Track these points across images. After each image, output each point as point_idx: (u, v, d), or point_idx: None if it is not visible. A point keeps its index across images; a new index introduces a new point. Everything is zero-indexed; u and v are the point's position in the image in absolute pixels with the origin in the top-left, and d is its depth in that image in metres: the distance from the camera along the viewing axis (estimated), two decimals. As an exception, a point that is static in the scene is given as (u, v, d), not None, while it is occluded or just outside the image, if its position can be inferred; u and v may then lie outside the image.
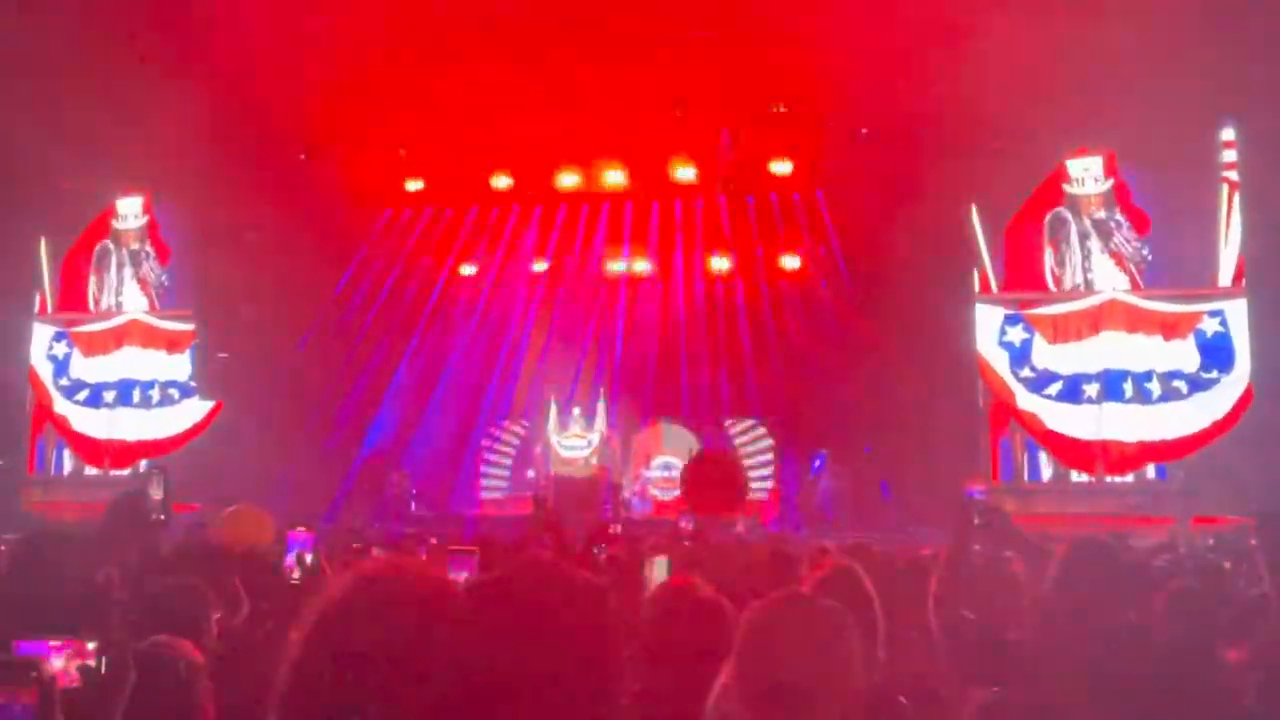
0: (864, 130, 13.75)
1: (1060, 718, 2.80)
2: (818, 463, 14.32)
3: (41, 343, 15.87)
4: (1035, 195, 13.28)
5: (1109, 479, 12.70)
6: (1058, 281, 13.24)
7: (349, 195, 15.15)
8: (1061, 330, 13.05)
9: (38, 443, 15.75)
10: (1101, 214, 13.13)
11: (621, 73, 13.32)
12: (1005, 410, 13.15)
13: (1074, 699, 2.74)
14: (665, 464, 15.99)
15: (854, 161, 13.56)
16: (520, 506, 14.61)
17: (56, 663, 2.70)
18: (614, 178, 15.15)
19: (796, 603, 2.21)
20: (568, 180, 15.27)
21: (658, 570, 4.01)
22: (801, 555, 4.38)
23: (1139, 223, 12.98)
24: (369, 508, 14.03)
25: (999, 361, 13.11)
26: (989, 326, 13.18)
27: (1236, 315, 12.37)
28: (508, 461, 16.71)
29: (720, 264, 16.10)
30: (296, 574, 4.98)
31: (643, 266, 16.30)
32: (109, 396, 15.62)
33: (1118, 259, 13.07)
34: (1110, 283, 13.04)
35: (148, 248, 15.83)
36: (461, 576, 4.34)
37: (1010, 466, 13.17)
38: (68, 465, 15.84)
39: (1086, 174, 13.21)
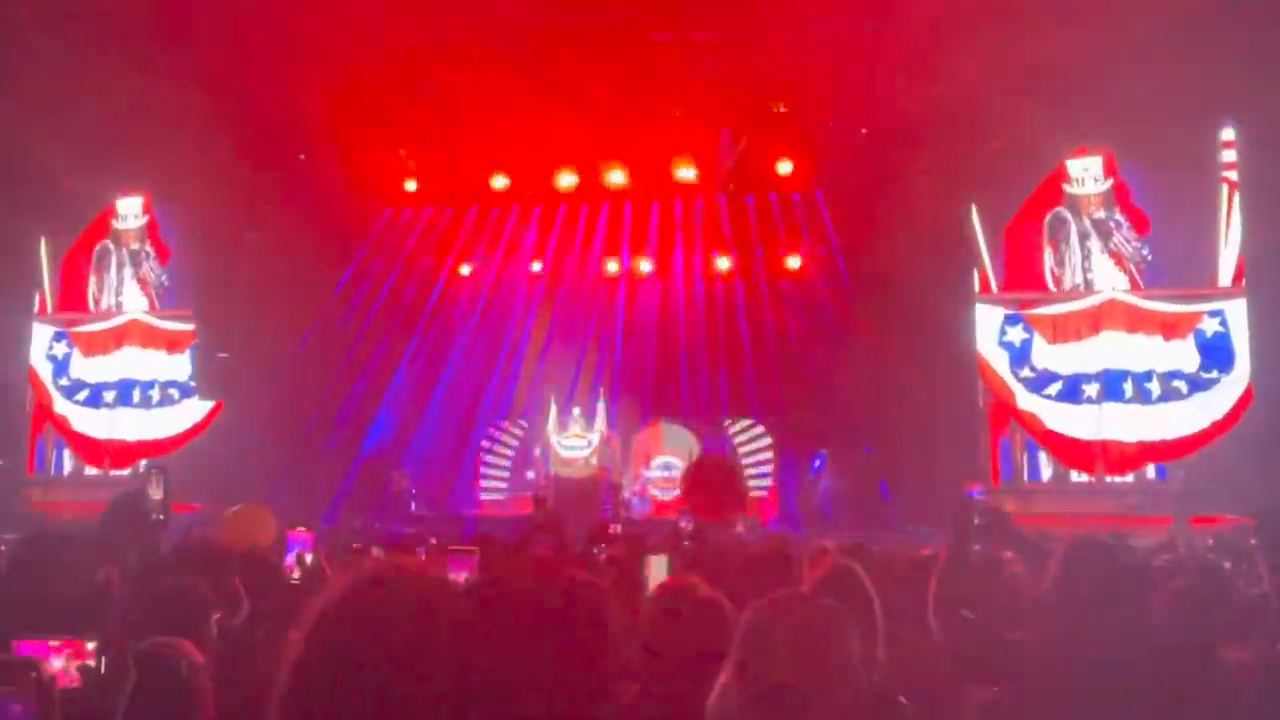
0: (864, 130, 13.75)
1: (1060, 718, 2.80)
2: (818, 463, 14.32)
3: (41, 343, 15.87)
4: (1035, 195, 13.28)
5: (1109, 479, 12.70)
6: (1057, 281, 13.24)
7: (349, 195, 15.15)
8: (1061, 330, 13.05)
9: (38, 443, 15.74)
10: (1101, 214, 13.13)
11: (622, 73, 13.33)
12: (1005, 410, 13.16)
13: (1074, 699, 2.74)
14: (665, 464, 16.00)
15: (854, 161, 13.57)
16: (520, 506, 14.61)
17: (56, 663, 2.70)
18: (614, 178, 15.15)
19: (796, 603, 2.21)
20: (567, 180, 15.27)
21: (657, 569, 4.01)
22: (801, 555, 4.38)
23: (1139, 223, 12.98)
24: (369, 508, 14.03)
25: (999, 361, 13.11)
26: (989, 326, 13.18)
27: (1236, 315, 12.37)
28: (507, 462, 16.71)
29: (720, 264, 16.11)
30: (296, 574, 4.99)
31: (643, 266, 16.30)
32: (109, 396, 15.62)
33: (1117, 259, 13.07)
34: (1110, 283, 13.04)
35: (148, 248, 15.83)
36: (461, 576, 4.35)
37: (1010, 466, 13.17)
38: (68, 465, 15.84)
39: (1086, 174, 13.21)
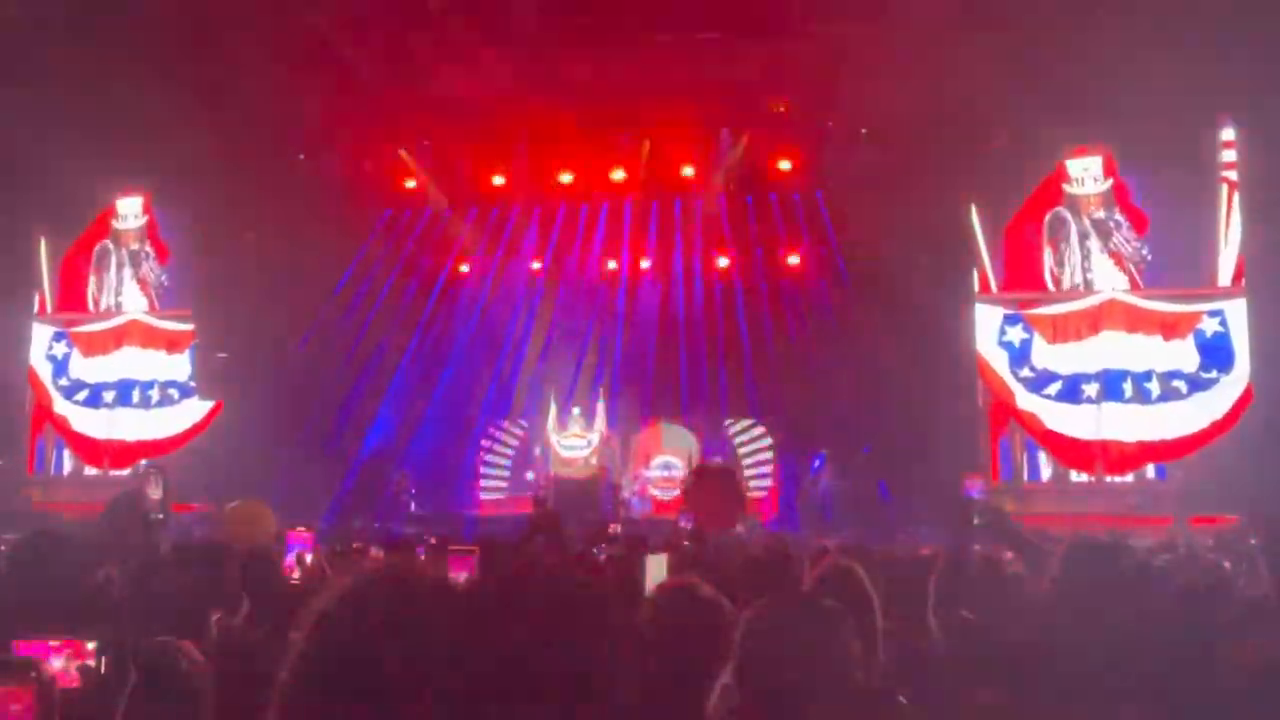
0: (864, 130, 13.76)
1: (1060, 718, 2.80)
2: (817, 463, 14.31)
3: (41, 343, 15.87)
4: (1035, 195, 13.28)
5: (1108, 479, 12.70)
6: (1057, 281, 13.24)
7: (349, 195, 15.16)
8: (1061, 330, 13.06)
9: (37, 443, 15.75)
10: (1101, 214, 13.14)
11: (622, 73, 13.33)
12: (1005, 410, 13.16)
13: (1074, 699, 2.74)
14: (665, 464, 16.00)
15: (854, 161, 13.57)
16: (520, 506, 14.61)
17: (56, 663, 2.70)
18: (614, 176, 15.16)
19: (796, 603, 2.21)
20: (567, 179, 15.28)
21: (656, 569, 4.01)
22: (801, 555, 4.38)
23: (1138, 223, 12.98)
24: (369, 508, 14.02)
25: (998, 361, 13.12)
26: (988, 326, 13.19)
27: (1236, 315, 12.37)
28: (507, 461, 16.70)
29: (720, 264, 16.11)
30: (296, 574, 4.99)
31: (643, 265, 16.30)
32: (108, 396, 15.62)
33: (1117, 259, 13.07)
34: (1110, 283, 13.04)
35: (147, 248, 15.83)
36: (461, 576, 4.35)
37: (1010, 466, 13.18)
38: (67, 465, 15.84)
39: (1086, 174, 13.21)
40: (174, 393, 15.40)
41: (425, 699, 1.33)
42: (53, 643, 2.75)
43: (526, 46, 12.59)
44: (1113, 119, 11.97)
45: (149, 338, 15.66)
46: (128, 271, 15.85)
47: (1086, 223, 13.17)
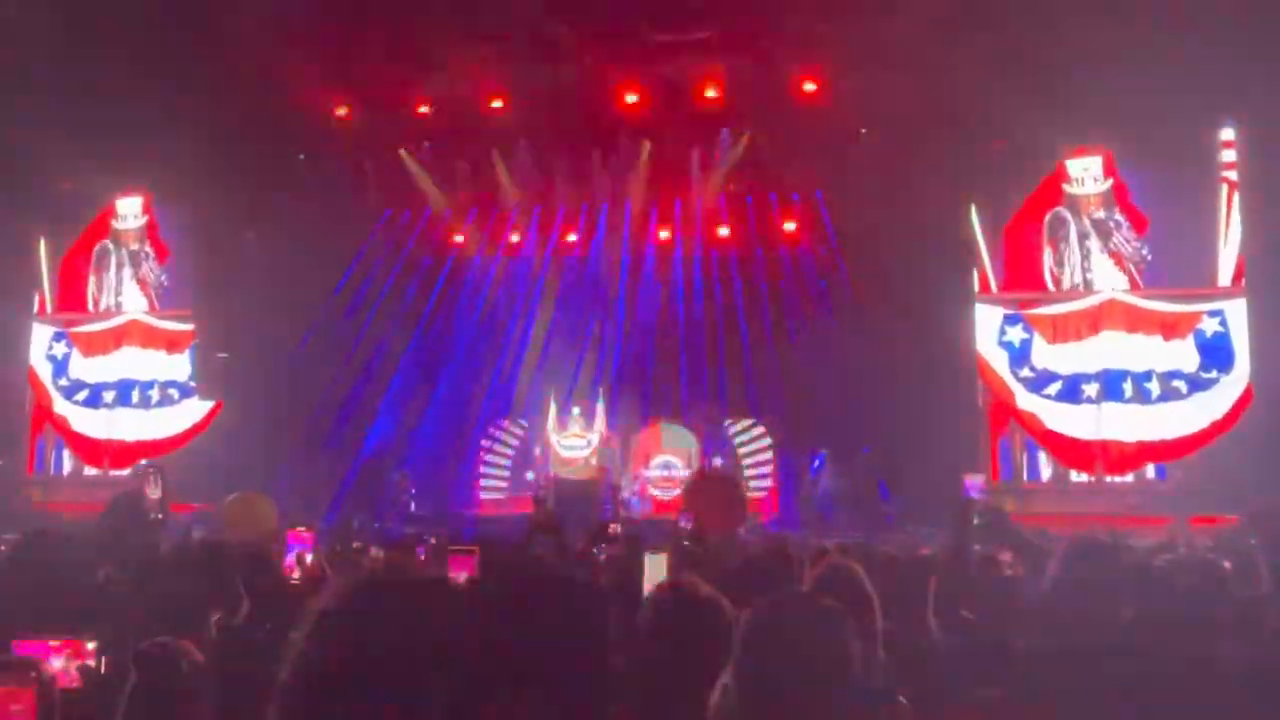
0: (864, 130, 13.76)
1: (1060, 718, 2.80)
2: (817, 462, 14.31)
3: (41, 343, 15.87)
4: (1035, 195, 13.29)
5: (1108, 479, 12.71)
6: (1057, 281, 13.25)
7: (349, 195, 15.16)
8: (1061, 330, 13.06)
9: (37, 443, 15.76)
10: (1101, 214, 13.14)
11: (622, 72, 13.35)
12: (1005, 410, 13.16)
13: (1074, 699, 2.75)
14: (665, 464, 15.99)
15: (854, 161, 13.57)
16: (520, 506, 14.60)
17: (56, 663, 2.70)
18: (614, 175, 15.16)
19: (796, 603, 2.21)
20: (566, 180, 15.29)
21: (656, 569, 4.01)
22: (801, 555, 4.38)
23: (1138, 222, 12.99)
24: (369, 508, 14.02)
25: (998, 361, 13.12)
26: (988, 326, 13.19)
27: (1236, 315, 12.38)
28: (507, 461, 16.69)
29: (720, 264, 16.10)
30: (296, 574, 4.99)
31: (643, 265, 16.30)
32: (108, 397, 15.62)
33: (1117, 259, 13.08)
34: (1109, 283, 13.04)
35: (147, 248, 15.83)
36: (461, 576, 4.34)
37: (1010, 466, 13.18)
38: (67, 465, 15.85)
39: (1086, 174, 13.22)
40: (174, 393, 15.41)
41: (426, 698, 1.33)
42: (53, 643, 2.75)
43: (526, 45, 12.61)
44: (1113, 119, 11.98)
45: (149, 338, 15.67)
46: (127, 271, 15.86)
47: (1086, 223, 13.18)
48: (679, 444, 15.96)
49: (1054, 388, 12.92)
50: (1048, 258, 13.25)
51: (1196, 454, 12.24)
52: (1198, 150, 12.33)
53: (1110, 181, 13.11)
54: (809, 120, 13.96)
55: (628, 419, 16.11)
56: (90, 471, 15.59)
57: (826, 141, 14.08)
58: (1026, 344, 13.06)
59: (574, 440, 16.07)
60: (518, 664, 1.40)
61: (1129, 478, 12.79)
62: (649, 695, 2.29)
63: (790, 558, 4.22)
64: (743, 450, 15.93)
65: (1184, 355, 12.55)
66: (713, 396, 15.62)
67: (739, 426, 16.04)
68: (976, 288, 13.22)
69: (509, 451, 16.70)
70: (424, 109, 14.26)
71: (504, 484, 16.57)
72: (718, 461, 15.29)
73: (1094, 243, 13.14)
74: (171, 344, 15.48)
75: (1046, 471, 13.16)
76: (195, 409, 15.10)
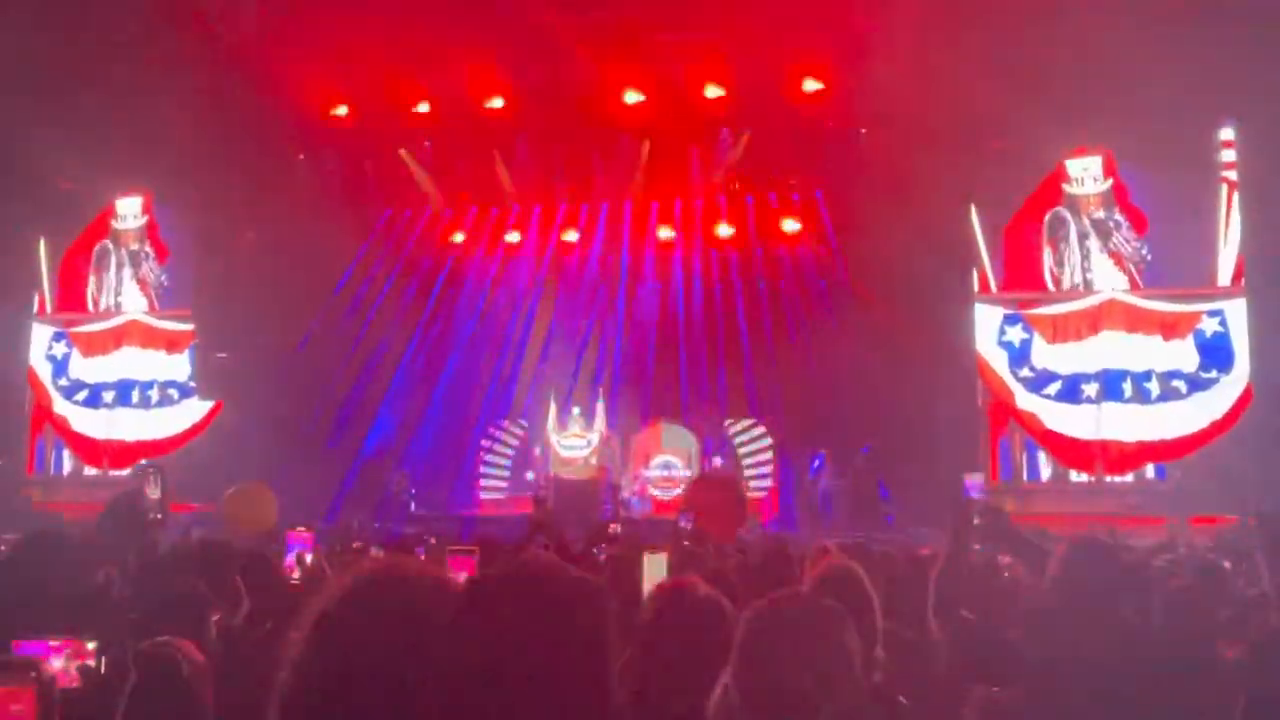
0: (864, 130, 13.76)
1: (1060, 718, 2.80)
2: (817, 462, 14.31)
3: (41, 343, 15.87)
4: (1034, 195, 13.28)
5: (1108, 479, 12.71)
6: (1057, 281, 13.25)
7: (349, 195, 15.16)
8: (1061, 330, 13.06)
9: (37, 443, 15.75)
10: (1101, 214, 13.14)
11: (622, 72, 13.35)
12: (1004, 410, 13.16)
13: (1074, 699, 2.74)
14: (665, 463, 15.98)
15: (854, 161, 13.57)
16: (520, 506, 14.60)
17: (56, 663, 2.70)
18: (615, 175, 15.16)
19: (796, 603, 2.21)
20: (566, 179, 15.30)
21: (655, 569, 4.00)
22: (801, 555, 4.38)
23: (1138, 222, 12.99)
24: (369, 508, 14.02)
25: (998, 361, 13.12)
26: (988, 326, 13.19)
27: (1236, 315, 12.38)
28: (507, 461, 16.70)
29: (720, 263, 16.10)
30: (296, 574, 4.99)
31: (643, 265, 16.31)
32: (108, 397, 15.62)
33: (1117, 259, 13.08)
34: (1109, 282, 13.04)
35: (147, 248, 15.83)
36: (461, 576, 4.34)
37: (1009, 466, 13.18)
38: (67, 465, 15.84)
39: (1086, 174, 13.22)
40: (174, 393, 15.40)
41: (425, 698, 1.33)
42: (53, 643, 2.75)
43: (526, 46, 12.61)
44: (1113, 119, 11.98)
45: (149, 338, 15.66)
46: (127, 271, 15.86)
47: (1086, 223, 13.18)
48: (679, 444, 15.96)
49: (1054, 388, 12.92)
50: (1048, 258, 13.25)
51: (1196, 454, 12.23)
52: (1198, 150, 12.33)
53: (1110, 181, 13.11)
54: (809, 120, 13.97)
55: (628, 419, 16.11)
56: (90, 471, 15.58)
57: (826, 141, 14.08)
58: (1026, 344, 13.06)
59: (574, 440, 16.07)
60: (515, 662, 1.40)
61: (1129, 478, 12.79)
62: (649, 695, 2.28)
63: (790, 558, 4.22)
64: (743, 450, 15.93)
65: (1184, 355, 12.55)
66: (713, 396, 15.62)
67: (739, 426, 16.04)
68: (976, 288, 13.21)
69: (509, 451, 16.71)
70: (424, 109, 14.26)
71: (504, 484, 16.58)
72: (718, 461, 15.29)
73: (1094, 243, 13.14)
74: (171, 344, 15.48)
75: (1046, 471, 13.16)
76: (195, 409, 15.10)
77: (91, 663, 2.81)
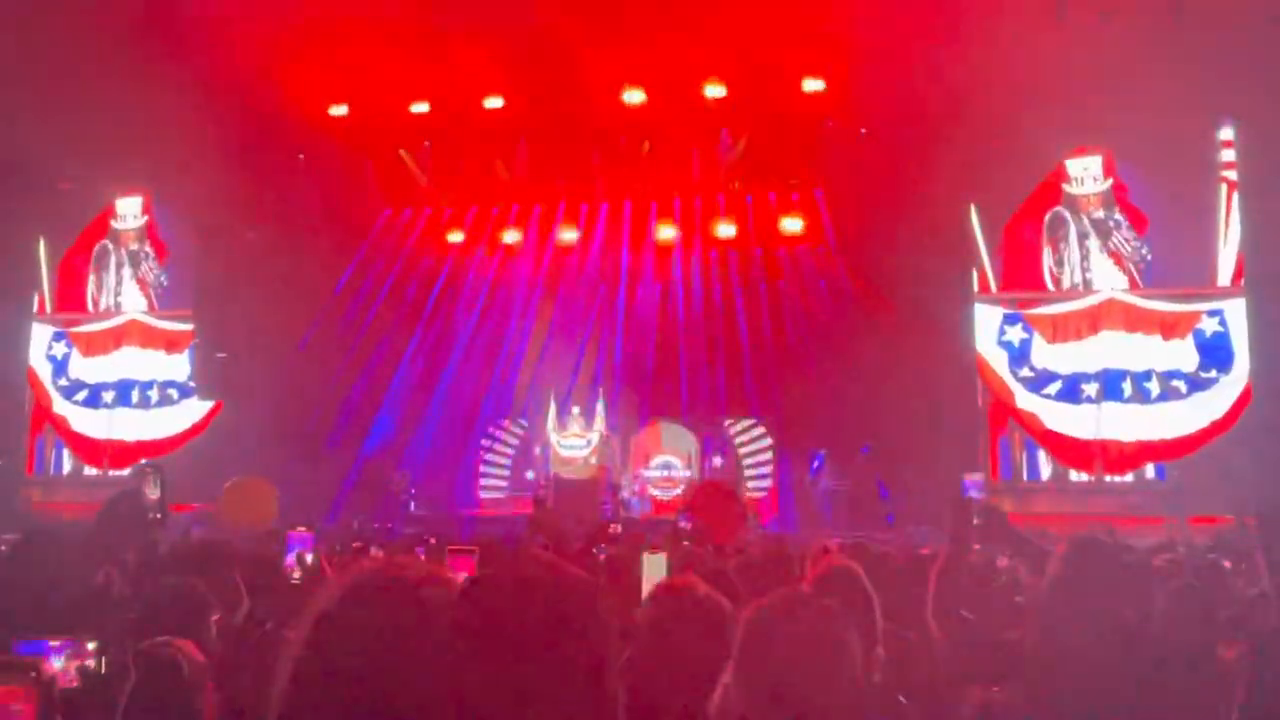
0: (864, 130, 13.76)
1: (1060, 718, 2.80)
2: (817, 463, 14.31)
3: (41, 343, 15.87)
4: (1034, 195, 13.29)
5: (1108, 478, 12.71)
6: (1056, 281, 13.25)
7: (349, 195, 15.16)
8: (1061, 330, 13.07)
9: (37, 442, 15.75)
10: (1100, 213, 13.15)
11: (622, 71, 13.35)
12: (1004, 410, 13.17)
13: (1074, 699, 2.74)
14: (664, 464, 15.98)
15: (854, 161, 13.57)
16: (520, 506, 14.60)
17: (56, 663, 2.70)
18: (615, 175, 15.17)
19: (796, 603, 2.21)
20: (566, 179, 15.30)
21: (654, 569, 4.00)
22: (801, 555, 4.38)
23: (1138, 222, 12.99)
24: (369, 508, 14.02)
25: (998, 361, 13.12)
26: (988, 326, 13.19)
27: (1235, 315, 12.38)
28: (507, 461, 16.69)
29: (720, 263, 16.10)
30: (296, 574, 4.99)
31: (643, 264, 16.31)
32: (108, 397, 15.62)
33: (1116, 258, 13.08)
34: (1109, 282, 13.05)
35: (147, 248, 15.84)
36: (461, 576, 4.34)
37: (1009, 465, 13.18)
38: (67, 465, 15.84)
39: (1085, 173, 13.22)
40: (173, 393, 15.41)
41: (424, 698, 1.33)
42: (53, 643, 2.75)
43: (527, 46, 12.61)
44: (1113, 119, 11.98)
45: (148, 338, 15.67)
46: (127, 271, 15.86)
47: (1086, 222, 13.18)
48: (679, 444, 15.95)
49: (1053, 387, 12.92)
50: (1047, 257, 13.25)
51: (1196, 454, 12.24)
52: (1198, 150, 12.33)
53: (1110, 181, 13.12)
54: (809, 120, 13.97)
55: (627, 419, 16.11)
56: (90, 471, 15.59)
57: (826, 141, 14.08)
58: (1026, 344, 13.06)
59: (574, 440, 16.07)
60: (513, 661, 1.40)
61: (1129, 477, 12.79)
62: (649, 695, 2.28)
63: (790, 558, 4.22)
64: (743, 450, 15.92)
65: (1183, 355, 12.56)
66: (713, 396, 15.61)
67: (739, 426, 16.04)
68: (976, 287, 13.22)
69: (509, 451, 16.70)
70: (423, 108, 14.26)
71: (504, 484, 16.57)
72: (717, 461, 15.29)
73: (1093, 242, 13.15)
74: (171, 344, 15.48)
75: (1046, 471, 13.16)
76: (195, 409, 15.10)
77: (91, 663, 2.82)
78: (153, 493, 9.08)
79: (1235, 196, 12.37)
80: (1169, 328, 12.65)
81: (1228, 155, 12.48)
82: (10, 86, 11.51)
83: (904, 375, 12.73)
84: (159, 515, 8.83)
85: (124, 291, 15.86)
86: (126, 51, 11.43)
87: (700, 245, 16.02)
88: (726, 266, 16.02)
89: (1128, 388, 12.66)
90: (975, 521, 3.77)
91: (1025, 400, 12.97)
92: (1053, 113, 11.55)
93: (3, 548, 5.06)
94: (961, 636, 3.31)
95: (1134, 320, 12.83)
